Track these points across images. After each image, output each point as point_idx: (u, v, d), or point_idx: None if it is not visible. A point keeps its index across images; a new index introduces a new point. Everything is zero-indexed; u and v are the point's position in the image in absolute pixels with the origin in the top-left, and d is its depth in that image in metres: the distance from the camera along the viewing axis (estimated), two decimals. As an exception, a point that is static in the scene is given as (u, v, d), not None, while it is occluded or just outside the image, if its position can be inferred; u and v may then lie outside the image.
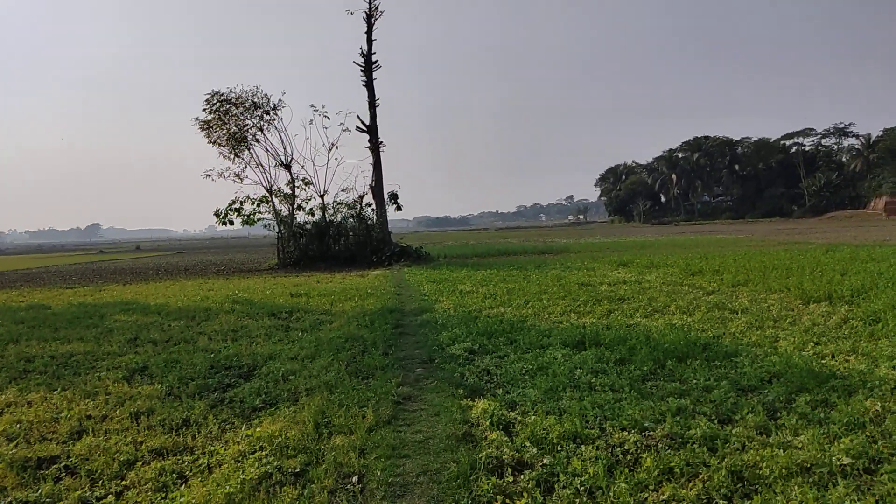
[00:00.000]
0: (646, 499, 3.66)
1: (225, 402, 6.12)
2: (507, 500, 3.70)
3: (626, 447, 4.36)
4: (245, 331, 10.15)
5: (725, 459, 4.07)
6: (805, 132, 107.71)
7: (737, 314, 9.83)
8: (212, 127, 29.70)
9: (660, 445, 4.38)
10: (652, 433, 4.62)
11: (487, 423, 4.89)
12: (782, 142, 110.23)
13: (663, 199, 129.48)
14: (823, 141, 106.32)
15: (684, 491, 3.70)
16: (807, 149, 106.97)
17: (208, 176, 30.49)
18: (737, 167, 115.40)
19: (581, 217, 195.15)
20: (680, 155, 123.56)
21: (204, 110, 29.48)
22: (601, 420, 4.93)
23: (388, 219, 30.82)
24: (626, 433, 4.59)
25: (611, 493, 3.68)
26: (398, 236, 32.42)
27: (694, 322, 9.24)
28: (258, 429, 5.09)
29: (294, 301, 13.90)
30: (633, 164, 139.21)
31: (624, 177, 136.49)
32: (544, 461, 4.13)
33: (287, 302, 13.79)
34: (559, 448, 4.36)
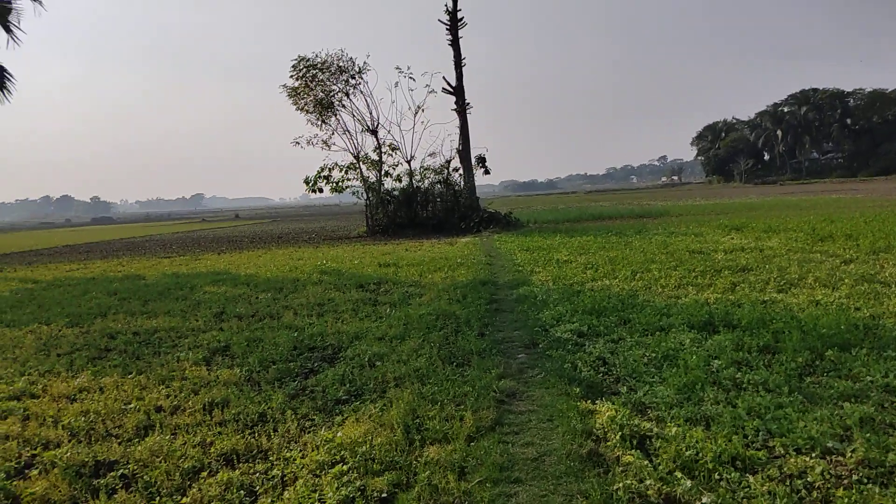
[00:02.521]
0: (863, 570, 2.62)
1: (306, 391, 5.47)
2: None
3: (810, 479, 3.28)
4: (331, 305, 9.58)
5: (962, 506, 2.94)
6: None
7: (890, 287, 8.29)
8: (299, 93, 29.46)
9: (855, 477, 3.29)
10: (841, 457, 3.52)
11: (617, 436, 3.91)
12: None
13: (767, 157, 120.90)
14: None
15: (918, 559, 2.62)
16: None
17: (297, 143, 30.46)
18: (849, 121, 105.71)
19: (675, 178, 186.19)
20: (786, 109, 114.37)
21: (291, 76, 29.28)
22: (765, 436, 3.85)
23: (475, 184, 29.85)
24: (806, 457, 3.51)
25: (810, 559, 2.66)
26: (486, 201, 31.47)
27: (841, 298, 7.80)
28: (340, 432, 4.35)
29: (382, 271, 13.29)
30: (734, 121, 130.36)
31: (723, 134, 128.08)
32: (704, 500, 3.13)
33: (375, 272, 13.21)
34: (718, 478, 3.34)
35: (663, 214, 29.60)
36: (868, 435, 3.75)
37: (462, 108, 29.25)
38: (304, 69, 29.02)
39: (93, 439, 4.57)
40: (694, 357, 5.49)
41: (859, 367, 5.08)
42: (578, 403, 4.54)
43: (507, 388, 5.11)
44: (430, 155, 29.93)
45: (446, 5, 29.32)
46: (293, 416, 4.78)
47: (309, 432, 4.50)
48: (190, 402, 5.28)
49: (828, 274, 9.53)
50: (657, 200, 50.55)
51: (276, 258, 18.18)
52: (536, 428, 4.31)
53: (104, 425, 4.83)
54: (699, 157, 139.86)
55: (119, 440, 4.54)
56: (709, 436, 3.87)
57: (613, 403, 4.49)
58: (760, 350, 5.75)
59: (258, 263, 16.73)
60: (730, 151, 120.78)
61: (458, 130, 29.39)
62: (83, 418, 4.99)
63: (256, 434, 4.50)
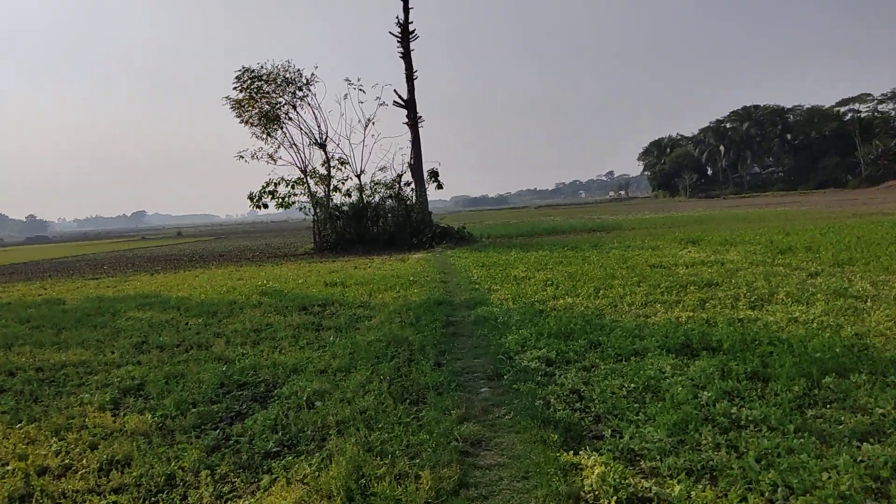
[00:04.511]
0: None
1: (229, 441, 4.55)
2: None
3: (860, 560, 2.60)
4: (269, 331, 8.62)
5: None
6: (861, 98, 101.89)
7: (866, 302, 7.88)
8: (243, 106, 28.21)
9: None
10: (887, 526, 2.85)
11: (612, 502, 3.16)
12: (837, 109, 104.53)
13: (710, 171, 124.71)
14: (880, 107, 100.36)
15: None
16: (863, 116, 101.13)
17: (241, 157, 29.14)
18: (789, 137, 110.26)
19: (622, 193, 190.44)
20: (728, 125, 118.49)
21: (235, 88, 28.00)
22: (785, 492, 3.17)
23: (428, 198, 29.13)
24: (846, 527, 2.83)
25: None
26: (438, 216, 30.76)
27: (819, 315, 7.30)
28: (265, 502, 3.48)
29: (328, 291, 12.35)
30: (679, 137, 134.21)
31: (668, 150, 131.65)
32: None
33: (320, 293, 12.26)
34: (746, 561, 2.63)
35: (616, 228, 29.50)
36: (903, 486, 3.11)
37: (414, 122, 28.59)
38: (249, 80, 27.86)
39: (-58, 521, 3.57)
40: (679, 388, 4.82)
41: (864, 396, 4.51)
42: (558, 455, 3.77)
43: (470, 435, 4.30)
44: (380, 169, 29.13)
45: (397, 17, 28.75)
46: (209, 479, 3.87)
47: (227, 502, 3.60)
48: (84, 461, 4.29)
49: (798, 288, 9.11)
50: (607, 214, 50.89)
51: (214, 278, 16.98)
52: (510, 489, 3.52)
53: (-37, 499, 3.82)
54: (645, 173, 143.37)
55: (-23, 521, 3.55)
56: (719, 495, 3.17)
57: (600, 454, 3.73)
58: (749, 377, 5.13)
59: (193, 284, 15.52)
60: (675, 166, 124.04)
61: (409, 144, 28.71)
62: (-60, 488, 3.95)
63: (159, 506, 3.58)
